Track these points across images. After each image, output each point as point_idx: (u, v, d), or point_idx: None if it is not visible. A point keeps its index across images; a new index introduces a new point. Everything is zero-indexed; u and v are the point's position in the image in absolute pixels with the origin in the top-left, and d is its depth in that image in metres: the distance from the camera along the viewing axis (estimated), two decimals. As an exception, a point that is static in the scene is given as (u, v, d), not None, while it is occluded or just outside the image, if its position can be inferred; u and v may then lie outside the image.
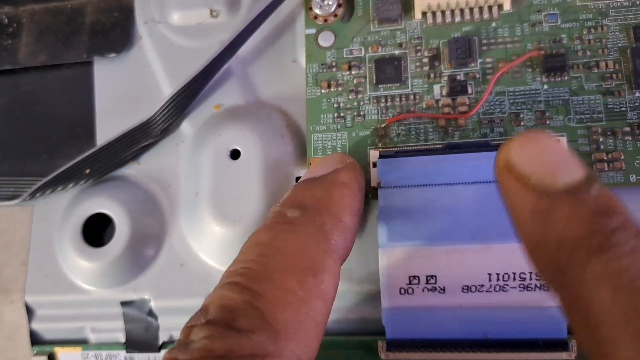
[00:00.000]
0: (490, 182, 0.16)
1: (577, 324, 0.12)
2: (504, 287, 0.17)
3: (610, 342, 0.11)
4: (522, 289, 0.17)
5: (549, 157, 0.13)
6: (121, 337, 0.21)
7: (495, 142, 0.17)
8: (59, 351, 0.21)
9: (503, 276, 0.17)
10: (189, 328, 0.12)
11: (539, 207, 0.12)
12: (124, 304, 0.20)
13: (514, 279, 0.17)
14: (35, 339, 0.21)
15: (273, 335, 0.12)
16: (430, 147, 0.18)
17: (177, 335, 0.21)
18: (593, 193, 0.12)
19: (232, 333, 0.11)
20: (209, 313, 0.12)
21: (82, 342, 0.21)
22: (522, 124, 0.18)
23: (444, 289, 0.17)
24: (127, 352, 0.21)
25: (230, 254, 0.19)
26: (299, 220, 0.14)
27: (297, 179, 0.20)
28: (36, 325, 0.21)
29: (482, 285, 0.17)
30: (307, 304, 0.12)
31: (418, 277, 0.16)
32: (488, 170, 0.16)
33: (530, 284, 0.17)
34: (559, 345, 0.17)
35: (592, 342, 0.12)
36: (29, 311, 0.21)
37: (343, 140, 0.19)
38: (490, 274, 0.17)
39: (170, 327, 0.21)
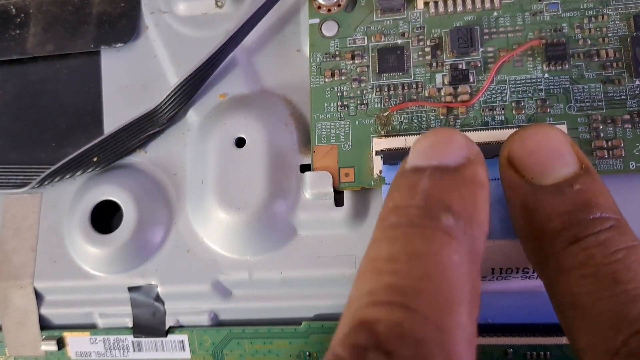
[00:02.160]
0: (492, 179, 0.16)
1: (555, 309, 0.13)
2: (507, 278, 0.17)
3: (576, 327, 0.12)
4: (524, 278, 0.17)
5: (544, 153, 0.14)
6: (129, 322, 0.21)
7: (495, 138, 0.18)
8: (68, 336, 0.22)
9: (506, 270, 0.17)
10: (354, 347, 0.11)
11: (527, 201, 0.13)
12: (131, 289, 0.21)
13: (517, 272, 0.17)
14: (45, 324, 0.22)
15: None
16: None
17: (183, 320, 0.21)
18: (577, 188, 0.13)
19: None
20: (381, 337, 0.11)
21: (90, 327, 0.22)
22: (523, 112, 0.18)
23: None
24: (134, 336, 0.21)
25: (236, 240, 0.20)
26: (456, 231, 0.12)
27: (302, 167, 0.20)
28: (45, 311, 0.22)
29: (484, 277, 0.18)
30: (474, 341, 0.12)
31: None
32: (490, 169, 0.16)
33: (533, 275, 0.17)
34: (559, 329, 0.17)
35: (564, 327, 0.13)
36: (38, 297, 0.21)
37: (346, 129, 0.19)
38: (493, 269, 0.17)
39: (177, 312, 0.21)
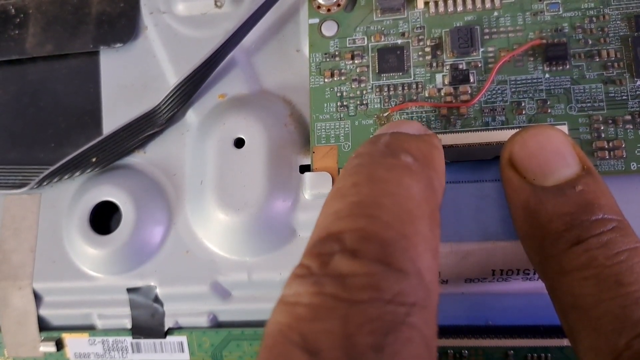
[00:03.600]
0: (492, 180, 0.17)
1: (556, 311, 0.13)
2: (507, 280, 0.18)
3: (577, 329, 0.12)
4: (525, 280, 0.18)
5: (546, 154, 0.14)
6: (127, 323, 0.21)
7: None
8: (67, 337, 0.22)
9: (507, 272, 0.17)
10: (319, 255, 0.11)
11: (529, 202, 0.14)
12: (130, 290, 0.21)
13: (518, 273, 0.17)
14: (43, 325, 0.22)
15: (423, 284, 0.11)
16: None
17: (182, 321, 0.21)
18: (579, 189, 0.13)
19: (394, 274, 0.11)
20: (346, 242, 0.11)
21: (89, 328, 0.22)
22: (523, 112, 0.18)
23: (446, 281, 0.18)
24: (133, 338, 0.21)
25: (235, 241, 0.20)
26: (415, 168, 0.13)
27: (301, 167, 0.20)
28: (44, 312, 0.22)
29: (484, 278, 0.18)
30: (438, 255, 0.12)
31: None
32: (490, 170, 0.17)
33: (534, 277, 0.17)
34: (560, 331, 0.18)
35: (566, 328, 0.13)
36: (37, 297, 0.21)
37: (346, 129, 0.19)
38: (494, 270, 0.17)
39: (176, 313, 0.21)
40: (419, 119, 0.19)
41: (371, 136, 0.14)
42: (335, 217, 0.12)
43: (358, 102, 0.19)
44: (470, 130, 0.18)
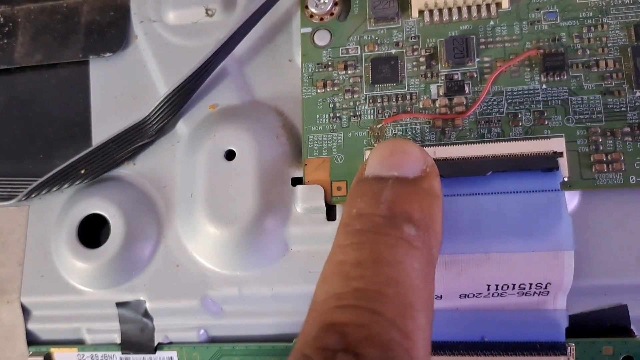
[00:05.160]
0: (488, 193, 0.17)
1: None
2: (503, 294, 0.17)
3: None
4: (520, 295, 0.17)
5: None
6: (117, 338, 0.21)
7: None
8: (55, 352, 0.21)
9: (502, 287, 0.17)
10: (323, 350, 0.12)
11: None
12: (119, 305, 0.21)
13: (513, 288, 0.17)
14: (32, 340, 0.22)
15: None
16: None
17: (173, 336, 0.21)
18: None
19: None
20: (349, 339, 0.12)
21: (78, 343, 0.21)
22: (520, 124, 0.18)
23: (440, 297, 0.18)
24: (122, 353, 0.21)
25: (226, 255, 0.20)
26: (416, 241, 0.13)
27: (293, 180, 0.20)
28: (32, 326, 0.22)
29: (479, 293, 0.18)
30: (429, 344, 0.13)
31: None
32: (485, 183, 0.17)
33: (530, 291, 0.17)
34: (557, 348, 0.17)
35: None
36: (25, 312, 0.21)
37: (339, 141, 0.19)
38: (489, 285, 0.17)
39: (166, 328, 0.21)
40: (413, 131, 0.19)
41: (369, 173, 0.15)
42: (338, 304, 0.12)
43: (351, 114, 0.19)
44: (466, 143, 0.18)
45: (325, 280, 0.13)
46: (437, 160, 0.16)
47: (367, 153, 0.19)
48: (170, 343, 0.21)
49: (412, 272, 0.13)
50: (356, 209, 0.14)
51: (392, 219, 0.14)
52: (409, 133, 0.19)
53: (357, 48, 0.20)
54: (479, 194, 0.17)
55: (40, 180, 0.21)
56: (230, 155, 0.20)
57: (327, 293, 0.13)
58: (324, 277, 0.13)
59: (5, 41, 0.23)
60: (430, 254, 0.14)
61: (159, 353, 0.20)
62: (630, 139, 0.17)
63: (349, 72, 0.19)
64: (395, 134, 0.19)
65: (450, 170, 0.17)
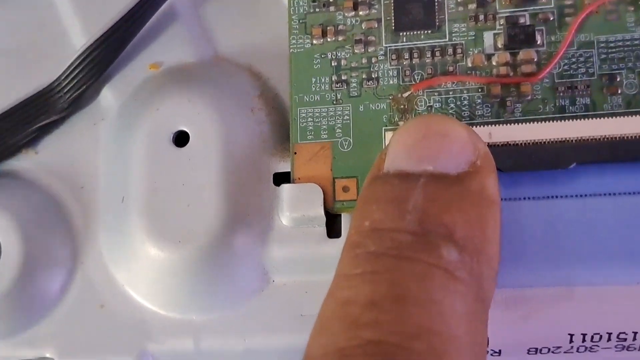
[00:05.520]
0: (571, 196, 0.17)
1: None
2: (593, 349, 0.18)
3: None
4: (620, 349, 0.18)
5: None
6: (11, 414, 0.21)
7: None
8: None
9: (592, 337, 0.17)
10: None
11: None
12: (15, 365, 0.20)
13: (609, 339, 0.17)
14: None
15: None
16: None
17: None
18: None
19: None
20: None
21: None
22: (619, 92, 0.18)
23: (498, 352, 0.18)
24: None
25: (175, 290, 0.20)
26: (460, 269, 0.14)
27: (276, 175, 0.20)
28: None
29: (558, 348, 0.18)
30: None
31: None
32: (567, 180, 0.17)
33: (634, 344, 0.18)
34: None
35: None
36: None
37: (345, 117, 0.19)
38: (572, 335, 0.17)
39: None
40: (458, 103, 0.19)
41: (390, 167, 0.15)
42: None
43: (364, 76, 0.19)
44: (537, 120, 0.18)
45: (324, 329, 0.13)
46: (493, 147, 0.16)
47: (388, 136, 0.19)
48: (92, 421, 0.20)
49: (454, 317, 0.13)
50: (370, 222, 0.14)
51: (424, 237, 0.14)
52: (451, 106, 0.19)
53: (373, -23, 0.19)
54: (557, 197, 0.18)
55: None
56: (181, 139, 0.20)
57: (326, 348, 0.13)
58: (322, 324, 0.14)
59: None
60: (480, 289, 0.14)
61: None
62: None
63: (361, 13, 0.19)
64: (431, 106, 0.19)
65: (514, 161, 0.17)
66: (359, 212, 0.15)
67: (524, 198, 0.18)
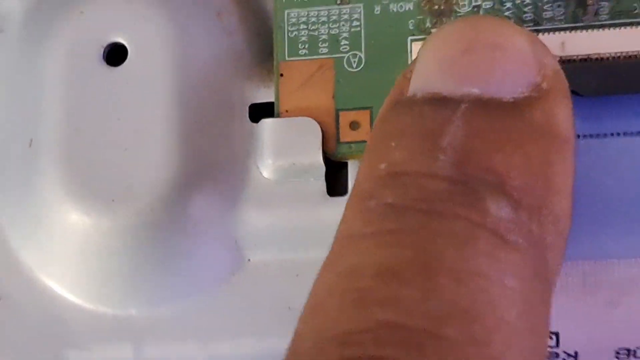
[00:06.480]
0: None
1: None
2: None
3: None
4: None
5: None
6: None
7: None
8: None
9: None
10: None
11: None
12: None
13: None
14: None
15: None
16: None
17: None
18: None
19: None
20: None
21: None
22: None
23: (575, 355, 0.17)
24: None
25: (107, 273, 0.19)
26: (514, 232, 0.13)
27: (253, 107, 0.19)
28: None
29: None
30: None
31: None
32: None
33: None
34: None
35: None
36: None
37: (355, 23, 0.18)
38: (618, 352, 0.17)
39: None
40: (517, 2, 0.18)
41: (418, 89, 0.14)
42: (346, 357, 0.12)
43: None
44: (631, 24, 0.17)
45: (318, 308, 0.13)
46: (568, 63, 0.16)
47: (417, 49, 0.17)
48: None
49: (503, 296, 0.13)
50: (387, 163, 0.14)
51: (465, 186, 0.13)
52: (508, 5, 0.18)
53: None
54: None
55: None
56: (115, 55, 0.19)
57: (321, 334, 0.12)
58: (316, 302, 0.13)
59: None
60: (542, 261, 0.13)
61: None
62: None
63: None
64: (478, 5, 0.18)
65: (598, 82, 0.17)
66: (371, 151, 0.14)
67: (612, 134, 0.17)
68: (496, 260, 0.13)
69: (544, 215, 0.14)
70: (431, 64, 0.15)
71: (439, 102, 0.14)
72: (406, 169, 0.14)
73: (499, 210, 0.13)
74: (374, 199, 0.14)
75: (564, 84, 0.15)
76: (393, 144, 0.14)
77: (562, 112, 0.14)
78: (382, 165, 0.14)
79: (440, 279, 0.12)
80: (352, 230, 0.14)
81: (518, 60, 0.14)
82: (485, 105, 0.14)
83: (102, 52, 0.19)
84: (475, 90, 0.14)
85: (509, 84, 0.14)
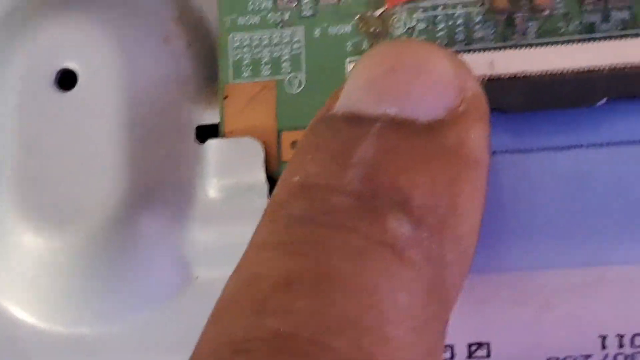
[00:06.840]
0: (600, 145, 0.17)
1: None
2: (635, 357, 0.17)
3: None
4: None
5: None
6: None
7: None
8: None
9: (633, 339, 0.17)
10: None
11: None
12: None
13: None
14: None
15: None
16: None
17: None
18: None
19: None
20: None
21: None
22: None
23: None
24: None
25: (58, 291, 0.19)
26: (411, 249, 0.13)
27: (199, 129, 0.20)
28: None
29: (588, 356, 0.17)
30: None
31: (451, 346, 0.17)
32: (596, 122, 0.17)
33: None
34: None
35: None
36: None
37: (296, 45, 0.19)
38: (604, 336, 0.17)
39: None
40: (450, 22, 0.18)
41: (339, 108, 0.15)
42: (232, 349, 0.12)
43: None
44: (558, 43, 0.17)
45: (220, 315, 0.13)
46: (496, 81, 0.16)
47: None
48: None
49: (393, 311, 0.13)
50: (300, 176, 0.14)
51: (369, 201, 0.13)
52: (441, 26, 0.18)
53: None
54: (581, 146, 0.17)
55: None
56: (66, 79, 0.20)
57: (218, 340, 0.13)
58: (218, 309, 0.13)
59: None
60: (438, 279, 0.14)
61: None
62: None
63: None
64: (412, 27, 0.18)
65: (524, 98, 0.17)
66: (291, 164, 0.15)
67: (537, 148, 0.17)
68: (390, 276, 0.13)
69: (445, 234, 0.14)
70: (356, 83, 0.15)
71: (356, 119, 0.14)
72: (316, 181, 0.14)
73: (399, 227, 0.13)
74: (283, 209, 0.14)
75: (482, 107, 0.15)
76: (309, 157, 0.14)
77: (476, 134, 0.15)
78: (296, 178, 0.14)
79: (332, 292, 0.13)
80: (260, 239, 0.14)
81: (438, 83, 0.14)
82: (399, 126, 0.14)
83: (54, 77, 0.19)
84: (392, 110, 0.14)
85: (426, 106, 0.14)
